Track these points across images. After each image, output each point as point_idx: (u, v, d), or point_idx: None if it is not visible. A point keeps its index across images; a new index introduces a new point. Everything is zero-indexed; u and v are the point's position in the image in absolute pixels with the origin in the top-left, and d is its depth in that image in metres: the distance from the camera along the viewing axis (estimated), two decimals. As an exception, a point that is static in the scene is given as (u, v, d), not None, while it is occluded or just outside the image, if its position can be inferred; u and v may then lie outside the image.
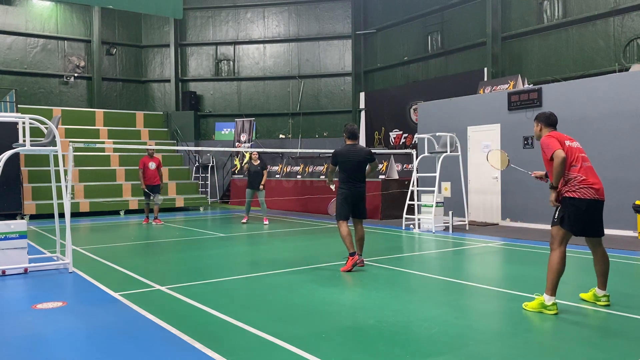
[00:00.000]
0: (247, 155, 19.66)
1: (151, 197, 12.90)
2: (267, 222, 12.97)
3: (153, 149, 13.02)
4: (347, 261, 6.93)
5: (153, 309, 5.00)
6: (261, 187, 13.00)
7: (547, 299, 4.75)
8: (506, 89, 12.57)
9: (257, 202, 13.50)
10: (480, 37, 16.83)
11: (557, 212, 4.88)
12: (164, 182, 13.34)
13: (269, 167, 13.97)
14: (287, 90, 22.42)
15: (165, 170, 16.51)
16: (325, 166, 16.33)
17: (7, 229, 6.76)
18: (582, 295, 5.25)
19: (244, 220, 13.19)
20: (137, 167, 17.67)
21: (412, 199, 11.76)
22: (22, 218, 14.13)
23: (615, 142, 10.18)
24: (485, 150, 12.21)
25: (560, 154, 4.74)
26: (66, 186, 7.12)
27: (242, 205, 17.64)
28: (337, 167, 7.52)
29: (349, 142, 7.50)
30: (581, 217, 4.77)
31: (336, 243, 9.74)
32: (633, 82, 10.02)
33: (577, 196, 4.76)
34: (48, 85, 20.91)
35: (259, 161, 13.10)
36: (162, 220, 13.33)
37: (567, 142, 4.90)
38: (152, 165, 12.87)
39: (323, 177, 16.33)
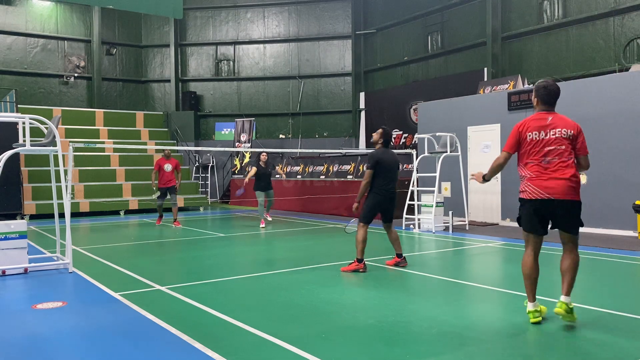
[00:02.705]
0: (247, 156, 19.68)
1: (167, 197, 12.57)
2: (269, 218, 12.94)
3: (170, 150, 12.58)
4: (351, 263, 6.89)
5: (153, 309, 5.00)
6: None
7: (529, 306, 4.48)
8: (506, 89, 12.57)
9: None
10: (480, 37, 16.83)
11: None
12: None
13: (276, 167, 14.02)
14: (287, 90, 22.42)
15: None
16: (326, 166, 16.31)
17: (7, 229, 6.76)
18: (555, 310, 4.44)
19: (262, 225, 12.27)
20: (138, 167, 17.81)
21: (412, 199, 11.76)
22: (22, 218, 14.14)
23: (615, 142, 10.18)
24: (485, 151, 12.21)
25: (501, 158, 4.50)
26: (66, 186, 7.12)
27: (242, 205, 17.64)
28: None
29: (383, 148, 7.06)
30: (530, 218, 4.43)
31: (336, 243, 9.73)
32: (633, 82, 10.02)
33: (524, 197, 4.44)
34: (48, 85, 20.91)
35: (266, 161, 13.10)
36: (164, 221, 13.24)
37: (534, 135, 4.38)
38: (168, 167, 12.35)
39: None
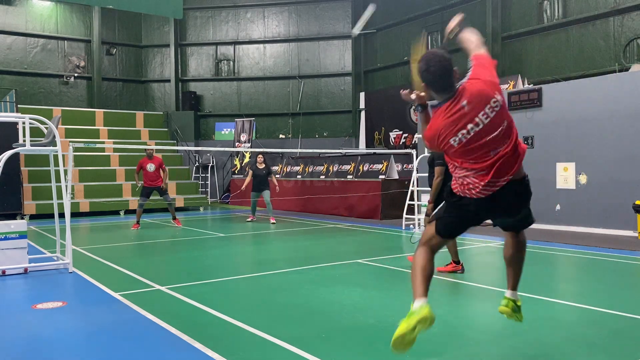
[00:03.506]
0: (247, 156, 19.68)
1: (149, 198, 12.37)
2: (274, 221, 12.90)
3: (152, 150, 12.29)
4: (447, 265, 6.07)
5: (153, 309, 5.00)
6: (277, 189, 13.31)
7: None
8: (506, 89, 12.57)
9: (261, 202, 13.51)
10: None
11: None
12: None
13: (272, 169, 13.96)
14: (287, 90, 22.42)
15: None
16: (326, 166, 16.31)
17: (7, 229, 6.75)
18: (500, 308, 3.73)
19: (249, 219, 13.29)
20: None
21: (412, 199, 11.76)
22: (22, 218, 14.13)
23: (615, 142, 10.17)
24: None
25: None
26: (66, 186, 7.12)
27: (243, 205, 17.63)
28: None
29: None
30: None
31: (336, 243, 9.73)
32: (633, 82, 10.02)
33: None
34: (48, 85, 20.90)
35: (264, 165, 13.10)
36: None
37: (461, 137, 3.11)
38: (150, 167, 12.04)
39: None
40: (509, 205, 3.27)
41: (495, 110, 3.05)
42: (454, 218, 3.35)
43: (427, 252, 3.37)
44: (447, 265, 6.68)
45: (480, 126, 3.04)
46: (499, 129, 3.07)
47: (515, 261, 3.66)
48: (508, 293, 3.64)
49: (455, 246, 6.57)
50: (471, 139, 3.06)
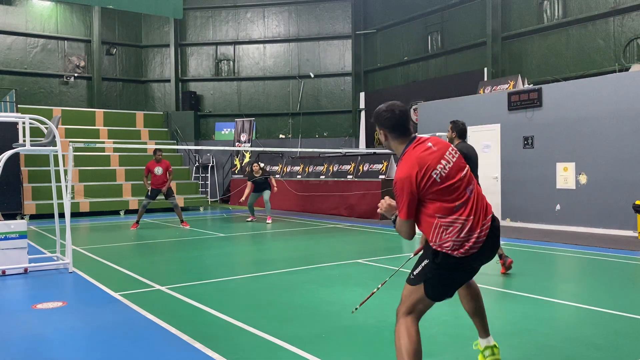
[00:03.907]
0: (247, 156, 19.67)
1: (155, 199, 12.27)
2: (270, 221, 12.98)
3: (161, 153, 12.20)
4: None
5: (153, 309, 5.00)
6: (275, 189, 13.29)
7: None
8: (506, 89, 12.57)
9: (261, 202, 13.53)
10: (480, 37, 16.83)
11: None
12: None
13: (272, 169, 13.98)
14: (287, 90, 22.42)
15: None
16: (326, 166, 16.31)
17: (7, 229, 6.76)
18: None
19: (250, 219, 13.42)
20: (138, 167, 17.78)
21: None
22: (22, 218, 14.13)
23: (615, 142, 10.18)
24: (486, 151, 12.20)
25: (403, 231, 3.10)
26: (66, 186, 7.12)
27: (242, 205, 17.64)
28: None
29: (461, 142, 6.36)
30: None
31: (336, 243, 9.73)
32: (633, 82, 10.02)
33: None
34: (48, 85, 20.91)
35: (261, 171, 13.24)
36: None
37: (439, 171, 2.92)
38: (158, 170, 12.07)
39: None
40: (492, 249, 3.02)
41: (455, 156, 3.03)
42: (447, 280, 3.04)
43: (415, 325, 3.05)
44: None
45: (451, 164, 2.97)
46: (465, 170, 3.02)
47: (480, 309, 3.54)
48: (484, 342, 3.50)
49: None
50: (447, 176, 2.93)
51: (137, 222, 12.07)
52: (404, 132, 3.03)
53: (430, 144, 3.00)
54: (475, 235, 2.90)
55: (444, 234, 2.91)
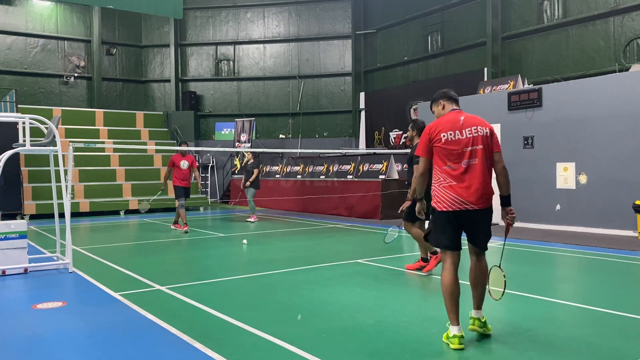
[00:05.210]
0: (247, 156, 19.67)
1: (185, 199, 11.58)
2: (251, 220, 13.09)
3: (187, 145, 11.58)
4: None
5: (153, 309, 5.00)
6: (247, 184, 13.11)
7: (452, 330, 3.92)
8: (506, 89, 12.57)
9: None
10: (480, 37, 16.83)
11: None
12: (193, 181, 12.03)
13: (260, 166, 13.87)
14: (287, 90, 22.42)
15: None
16: (326, 166, 16.31)
17: (7, 229, 6.76)
18: (470, 327, 4.17)
19: (251, 220, 13.38)
20: (138, 167, 17.80)
21: (412, 199, 11.75)
22: (22, 218, 14.13)
23: (615, 142, 10.18)
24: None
25: (420, 165, 4.09)
26: (66, 186, 7.12)
27: (242, 205, 17.63)
28: None
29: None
30: (445, 230, 4.07)
31: (336, 243, 9.74)
32: (633, 82, 10.02)
33: (441, 208, 4.01)
34: (48, 85, 20.91)
35: (252, 160, 13.34)
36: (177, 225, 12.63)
37: (448, 135, 3.97)
38: (184, 164, 11.37)
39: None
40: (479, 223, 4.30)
41: (474, 135, 4.01)
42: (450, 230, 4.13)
43: (448, 272, 4.24)
44: (415, 262, 6.93)
45: (463, 137, 3.99)
46: (472, 149, 3.97)
47: (481, 284, 4.33)
48: (473, 313, 4.19)
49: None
50: (452, 142, 3.98)
51: (185, 223, 11.35)
52: (454, 104, 4.35)
53: (462, 118, 4.10)
54: (460, 195, 3.98)
55: (437, 187, 4.03)
